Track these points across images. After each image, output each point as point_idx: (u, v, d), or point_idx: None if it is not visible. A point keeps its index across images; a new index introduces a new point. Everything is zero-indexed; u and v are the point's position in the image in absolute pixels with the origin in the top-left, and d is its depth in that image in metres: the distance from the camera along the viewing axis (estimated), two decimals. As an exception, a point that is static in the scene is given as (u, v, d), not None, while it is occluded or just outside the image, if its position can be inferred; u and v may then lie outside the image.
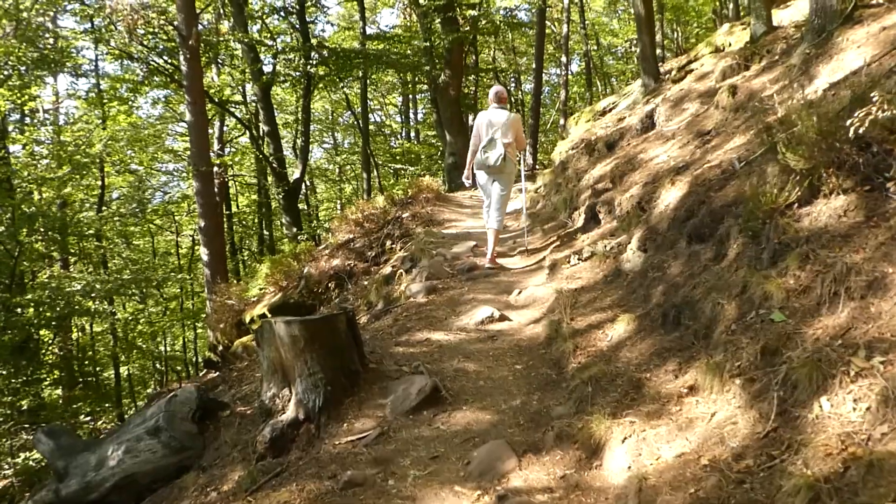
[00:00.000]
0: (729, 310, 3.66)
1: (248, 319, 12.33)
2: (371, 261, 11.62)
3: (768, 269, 3.66)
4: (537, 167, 25.50)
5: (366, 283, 10.53)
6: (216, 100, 20.37)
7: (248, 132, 22.64)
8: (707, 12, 25.94)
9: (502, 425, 4.03)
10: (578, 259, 6.46)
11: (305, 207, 34.94)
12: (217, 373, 11.96)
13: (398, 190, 14.62)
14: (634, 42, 27.42)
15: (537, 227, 9.14)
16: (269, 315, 12.02)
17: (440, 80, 17.32)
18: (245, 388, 7.74)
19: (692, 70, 10.46)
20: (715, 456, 2.82)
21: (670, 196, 5.45)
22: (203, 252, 14.44)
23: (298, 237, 21.55)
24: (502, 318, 5.85)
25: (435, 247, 8.65)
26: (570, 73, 29.60)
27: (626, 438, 3.23)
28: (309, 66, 20.11)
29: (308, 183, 35.89)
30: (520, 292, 6.41)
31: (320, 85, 24.61)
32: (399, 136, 35.15)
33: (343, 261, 11.66)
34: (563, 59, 27.58)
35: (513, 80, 32.68)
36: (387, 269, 9.33)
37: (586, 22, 27.78)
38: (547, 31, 24.34)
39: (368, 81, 25.60)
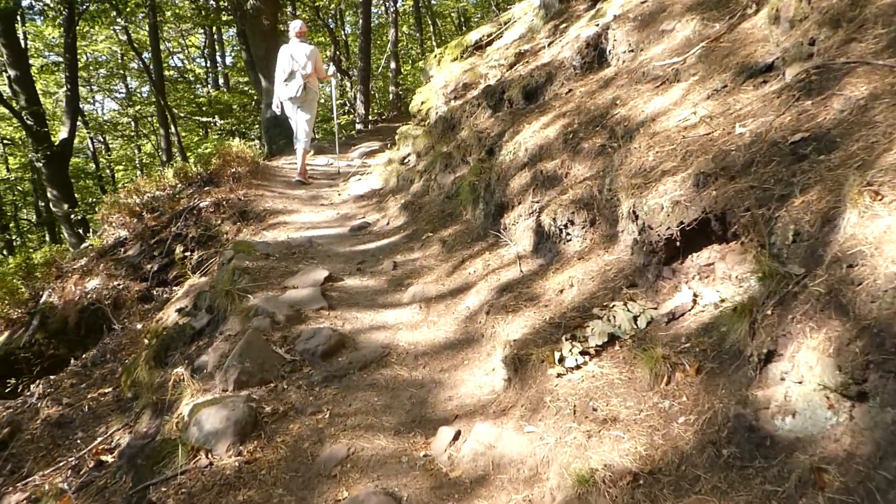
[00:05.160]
0: None
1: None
2: (153, 279, 7.42)
3: None
4: (373, 121, 21.61)
5: (139, 325, 6.41)
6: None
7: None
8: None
9: None
10: (582, 353, 2.87)
11: (95, 168, 28.90)
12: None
13: (195, 161, 10.26)
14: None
15: (429, 235, 5.43)
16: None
17: (248, 6, 12.86)
18: None
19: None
20: None
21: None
22: None
23: (72, 216, 16.46)
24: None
25: (252, 281, 4.72)
26: (397, 10, 25.78)
27: None
28: (69, -11, 14.89)
29: (100, 140, 29.70)
30: (457, 437, 2.77)
31: (92, 19, 19.05)
32: (206, 84, 29.57)
33: (105, 280, 7.35)
34: (391, -8, 23.79)
35: (326, 22, 28.02)
36: (169, 315, 5.32)
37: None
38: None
39: (161, 16, 20.34)
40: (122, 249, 7.83)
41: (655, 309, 2.94)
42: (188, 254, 7.32)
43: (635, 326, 2.89)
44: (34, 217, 27.65)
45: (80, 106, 26.40)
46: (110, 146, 30.94)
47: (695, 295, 2.87)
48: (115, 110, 31.67)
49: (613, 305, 3.03)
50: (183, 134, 27.79)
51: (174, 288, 7.06)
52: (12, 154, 27.50)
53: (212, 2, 20.53)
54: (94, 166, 29.12)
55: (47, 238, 23.58)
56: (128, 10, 19.65)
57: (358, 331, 3.91)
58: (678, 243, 3.06)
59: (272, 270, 4.98)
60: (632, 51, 5.35)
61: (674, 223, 3.04)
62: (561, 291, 3.46)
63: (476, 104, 6.72)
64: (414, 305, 4.19)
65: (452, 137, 6.75)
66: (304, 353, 3.62)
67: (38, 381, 6.42)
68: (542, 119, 5.21)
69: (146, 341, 5.13)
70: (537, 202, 4.41)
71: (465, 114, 6.81)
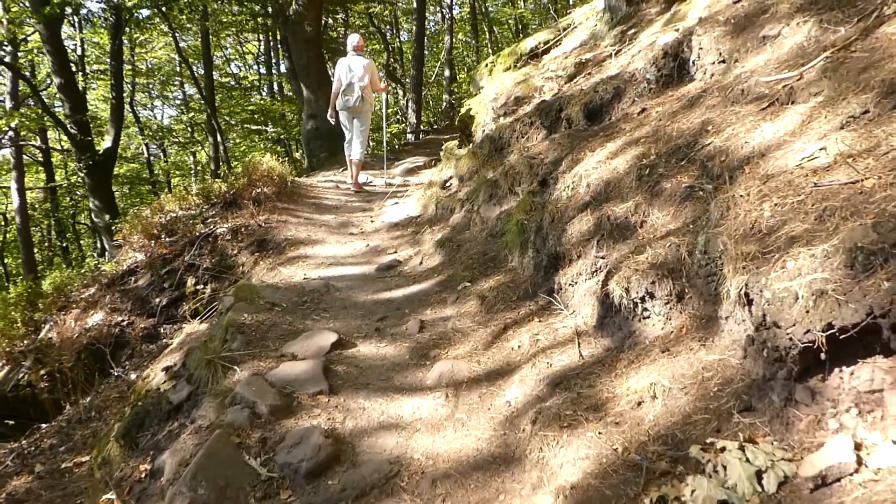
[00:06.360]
0: None
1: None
2: (161, 315, 6.64)
3: None
4: (424, 130, 20.83)
5: (133, 375, 5.62)
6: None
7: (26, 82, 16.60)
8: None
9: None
10: (677, 527, 1.88)
11: (149, 174, 28.89)
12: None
13: (220, 179, 9.54)
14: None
15: (466, 285, 4.47)
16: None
17: (290, 11, 12.14)
18: None
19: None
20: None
21: None
22: None
23: (113, 227, 16.01)
24: None
25: (245, 344, 3.83)
26: (453, 16, 25.13)
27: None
28: (116, -5, 14.49)
29: (156, 145, 29.69)
30: None
31: (138, 26, 18.74)
32: (261, 92, 29.18)
33: (108, 315, 6.59)
34: (446, 0, 23.27)
35: (387, 28, 27.33)
36: (156, 373, 4.48)
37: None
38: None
39: (212, 23, 19.89)
40: (133, 278, 7.08)
41: (791, 461, 1.91)
42: (200, 287, 6.53)
43: (759, 489, 1.87)
44: (89, 222, 27.80)
45: (138, 112, 26.30)
46: (167, 152, 30.96)
47: (856, 445, 1.83)
48: (171, 116, 31.77)
49: (723, 446, 2.01)
50: (238, 140, 27.49)
51: (183, 326, 6.27)
52: (72, 160, 27.70)
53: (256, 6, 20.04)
54: (149, 173, 29.21)
55: (98, 244, 23.54)
56: (183, 15, 19.25)
57: (362, 431, 2.96)
58: (822, 354, 2.03)
59: (272, 328, 4.08)
60: (723, 61, 4.30)
61: (817, 324, 2.00)
62: (639, 404, 2.45)
63: (528, 123, 5.73)
64: (439, 392, 3.22)
65: (500, 161, 5.77)
66: (284, 467, 2.69)
67: (24, 433, 5.70)
68: (608, 146, 4.20)
69: (130, 406, 4.31)
70: (602, 258, 3.41)
71: (516, 134, 5.84)
